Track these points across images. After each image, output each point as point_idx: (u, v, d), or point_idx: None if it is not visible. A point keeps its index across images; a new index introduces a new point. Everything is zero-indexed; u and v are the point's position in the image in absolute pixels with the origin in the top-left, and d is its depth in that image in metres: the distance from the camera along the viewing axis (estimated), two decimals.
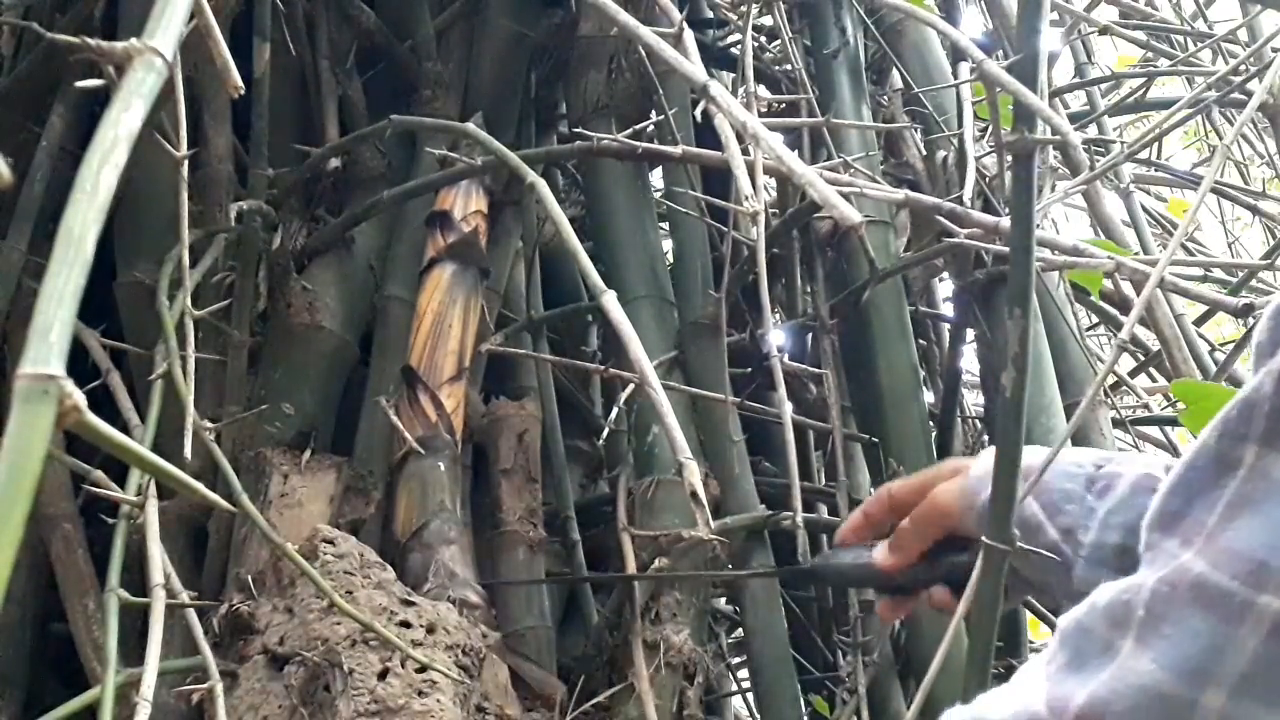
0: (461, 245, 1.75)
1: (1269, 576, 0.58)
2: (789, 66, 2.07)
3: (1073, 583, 0.93)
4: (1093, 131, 2.22)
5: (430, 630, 1.40)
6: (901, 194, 1.36)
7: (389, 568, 1.47)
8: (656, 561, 1.57)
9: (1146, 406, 2.36)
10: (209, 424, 1.48)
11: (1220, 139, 3.09)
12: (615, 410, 1.64)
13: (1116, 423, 1.89)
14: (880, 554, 1.05)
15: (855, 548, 1.09)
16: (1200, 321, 2.22)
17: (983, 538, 0.95)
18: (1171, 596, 0.61)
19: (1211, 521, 0.61)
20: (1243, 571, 0.59)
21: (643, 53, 1.81)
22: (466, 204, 1.77)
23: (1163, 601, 0.61)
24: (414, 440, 1.60)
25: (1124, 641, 0.62)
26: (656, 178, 2.22)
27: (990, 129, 1.90)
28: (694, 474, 0.86)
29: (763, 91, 2.27)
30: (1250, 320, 1.95)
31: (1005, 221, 1.24)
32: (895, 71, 2.08)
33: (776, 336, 2.08)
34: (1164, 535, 0.63)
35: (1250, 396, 0.60)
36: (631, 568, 1.56)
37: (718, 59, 2.31)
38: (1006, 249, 1.45)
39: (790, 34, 2.05)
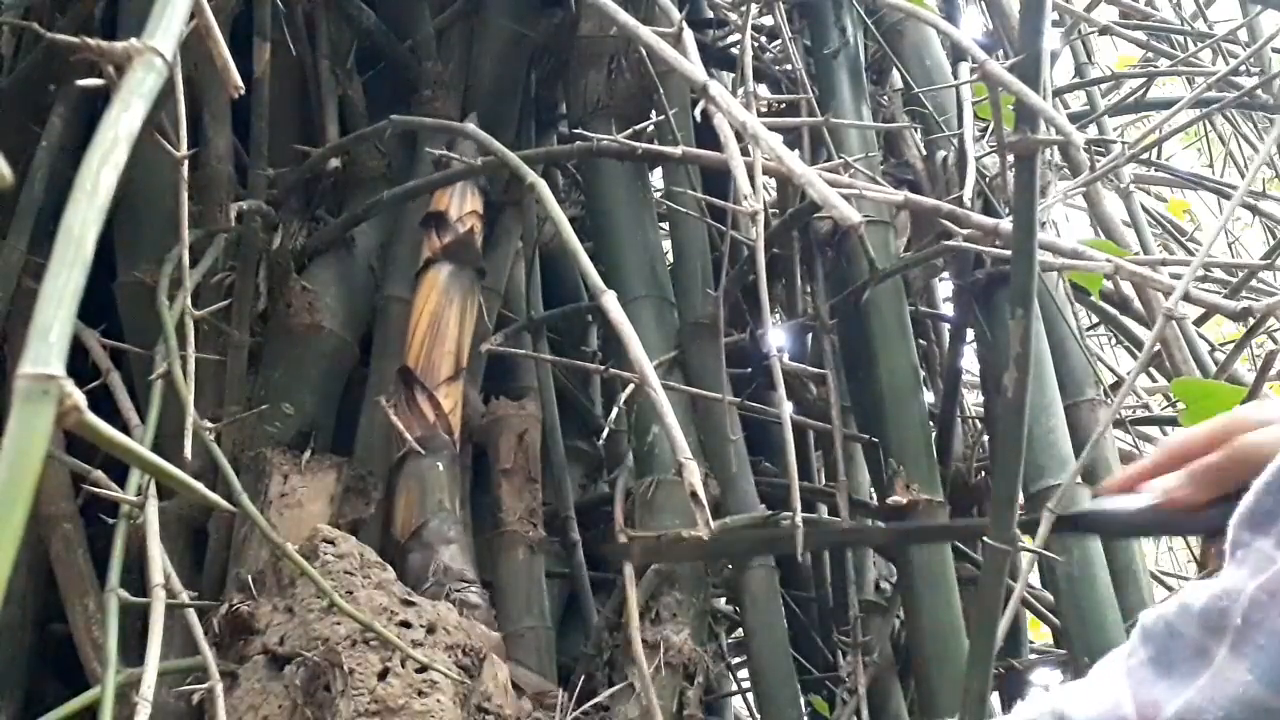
0: (457, 245, 1.75)
1: None
2: (789, 66, 2.07)
3: None
4: (1093, 132, 2.22)
5: (430, 630, 1.40)
6: (901, 196, 1.35)
7: (389, 568, 1.47)
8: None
9: (1146, 406, 2.37)
10: (209, 424, 1.48)
11: (1221, 139, 3.09)
12: (615, 410, 1.64)
13: (1116, 423, 1.89)
14: (1172, 488, 0.88)
15: (1124, 497, 0.93)
16: (1200, 321, 2.22)
17: (984, 538, 0.95)
18: (1270, 605, 0.58)
19: None
20: None
21: (643, 53, 1.81)
22: (462, 204, 1.77)
23: (1261, 609, 0.59)
24: (413, 440, 1.60)
25: (1219, 649, 0.60)
26: (656, 178, 2.22)
27: (991, 129, 1.90)
28: (694, 474, 0.86)
29: (763, 91, 2.27)
30: (1250, 321, 1.95)
31: (1005, 223, 1.24)
32: (895, 71, 2.08)
33: (776, 336, 2.08)
34: (1257, 534, 0.60)
35: None
36: (630, 572, 1.55)
37: (718, 59, 2.31)
38: (1006, 250, 1.45)
39: (790, 34, 2.05)
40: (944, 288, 2.26)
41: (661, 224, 2.00)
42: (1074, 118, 2.33)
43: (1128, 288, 2.21)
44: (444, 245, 1.75)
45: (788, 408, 1.32)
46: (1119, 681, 0.63)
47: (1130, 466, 0.92)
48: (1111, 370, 2.40)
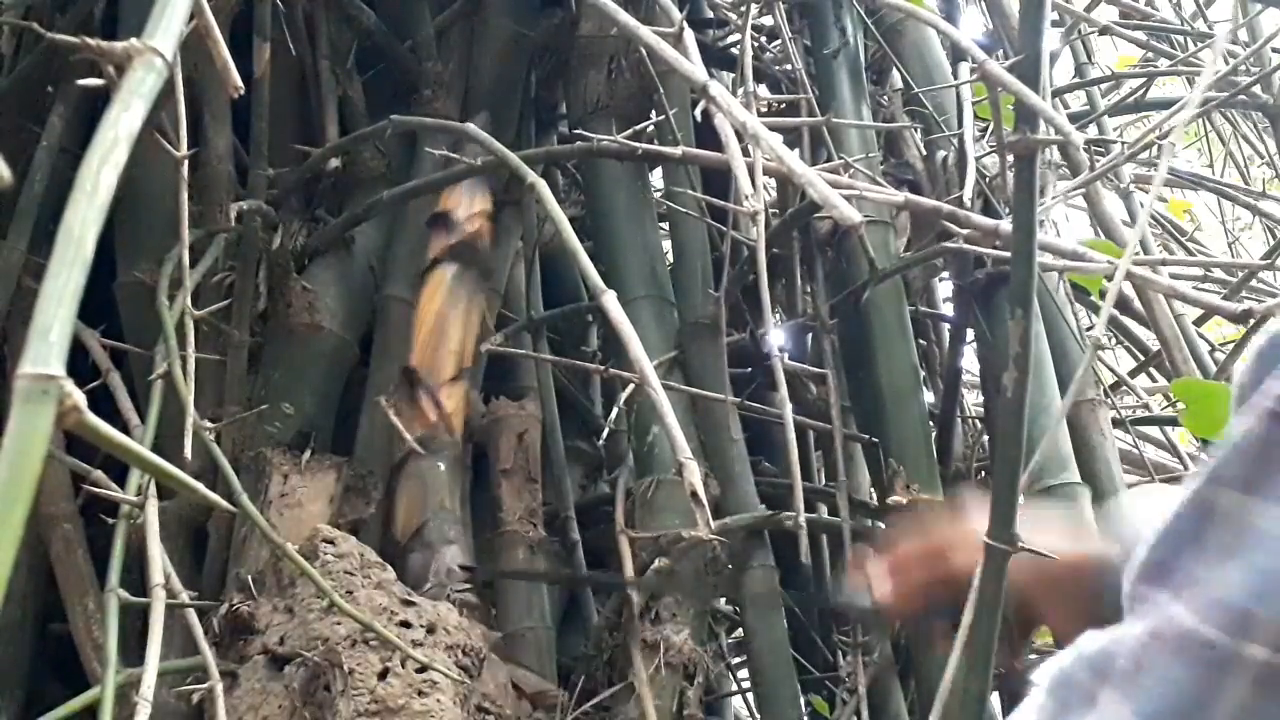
0: (464, 246, 1.74)
1: (1254, 625, 0.57)
2: (789, 66, 2.07)
3: None
4: (1093, 131, 2.22)
5: (430, 630, 1.40)
6: (902, 196, 1.35)
7: (389, 568, 1.47)
8: (656, 561, 1.57)
9: (1146, 406, 2.37)
10: (209, 424, 1.48)
11: (1221, 139, 3.09)
12: (615, 410, 1.64)
13: (1116, 423, 1.89)
14: (884, 594, 1.09)
15: (863, 592, 1.13)
16: (1200, 321, 2.22)
17: (983, 538, 0.95)
18: (1155, 647, 0.60)
19: (1200, 571, 0.60)
20: (1227, 621, 0.57)
21: (643, 53, 1.81)
22: (471, 204, 1.77)
23: (1145, 651, 0.60)
24: (414, 440, 1.60)
25: (1104, 691, 0.61)
26: (656, 178, 2.22)
27: (991, 129, 1.90)
28: (694, 474, 0.86)
29: (763, 91, 2.27)
30: (1250, 323, 1.95)
31: (1005, 224, 1.24)
32: (895, 71, 2.08)
33: (776, 336, 2.08)
34: (1153, 586, 0.62)
35: (1234, 442, 0.60)
36: (630, 571, 1.55)
37: (718, 59, 2.31)
38: (1006, 250, 1.45)
39: (790, 34, 2.05)
40: (944, 288, 2.26)
41: (661, 224, 2.00)
42: (1074, 118, 2.33)
43: (1128, 287, 2.21)
44: (450, 245, 1.75)
45: (788, 408, 1.32)
46: None
47: (877, 560, 1.12)
48: (1112, 370, 2.40)
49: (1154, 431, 2.57)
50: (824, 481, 2.16)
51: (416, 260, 1.79)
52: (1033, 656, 2.12)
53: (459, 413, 1.68)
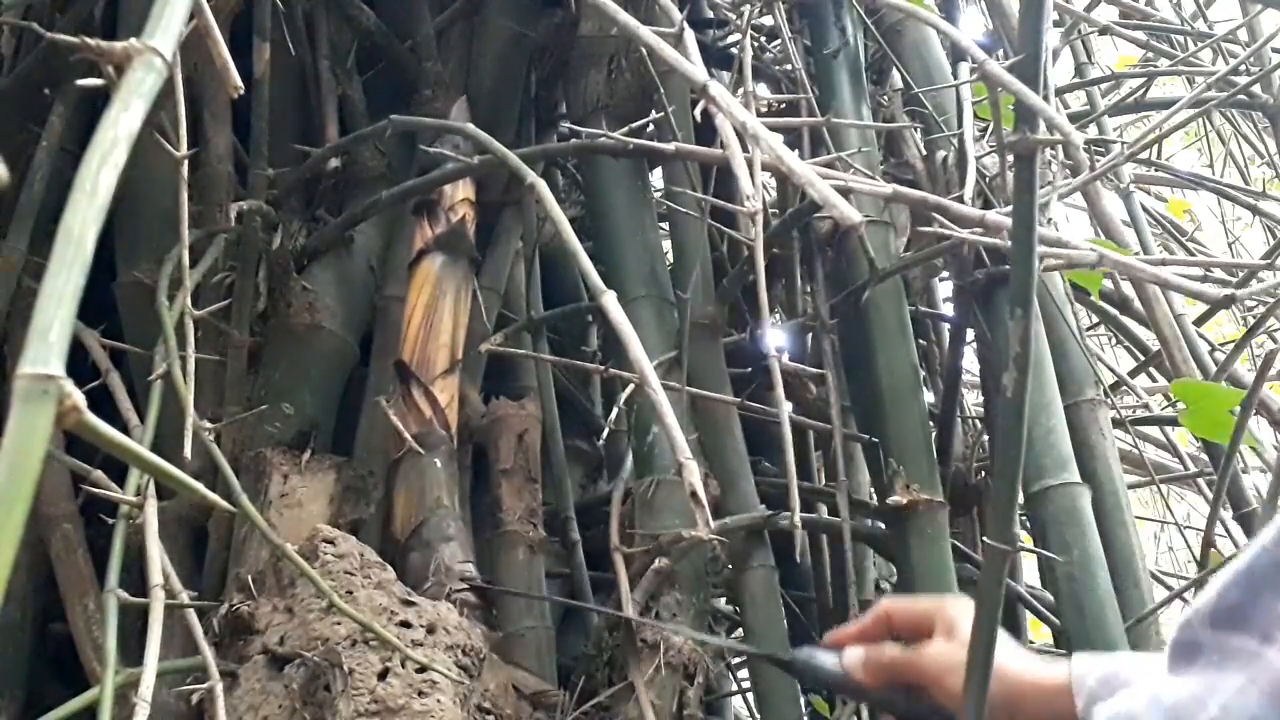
0: (449, 235, 1.73)
1: None
2: (789, 66, 2.06)
3: None
4: (1093, 131, 2.22)
5: (430, 630, 1.40)
6: (889, 188, 1.35)
7: (389, 568, 1.47)
8: (656, 561, 1.57)
9: (1146, 406, 2.36)
10: (209, 424, 1.48)
11: (1221, 139, 3.09)
12: (615, 410, 1.64)
13: (1116, 423, 1.89)
14: (853, 665, 1.06)
15: (830, 653, 1.10)
16: (1200, 321, 2.22)
17: (984, 538, 0.95)
18: (1252, 693, 0.58)
19: None
20: None
21: (643, 53, 1.81)
22: (454, 192, 1.76)
23: (1242, 698, 0.59)
24: (412, 440, 1.60)
25: None
26: (657, 178, 2.22)
27: (990, 129, 1.90)
28: (694, 474, 0.86)
29: (763, 91, 2.27)
30: (1247, 322, 1.95)
31: (991, 214, 1.24)
32: (895, 71, 2.08)
33: (776, 336, 2.08)
34: (1228, 632, 0.61)
35: None
36: (625, 586, 1.55)
37: (718, 59, 2.31)
38: (1000, 243, 1.45)
39: (790, 34, 2.05)
40: (944, 288, 2.26)
41: (661, 224, 2.00)
42: (1074, 118, 2.33)
43: (1128, 287, 2.21)
44: (436, 235, 1.74)
45: (787, 408, 1.32)
46: None
47: (852, 624, 1.10)
48: (1111, 370, 2.40)
49: (1154, 431, 2.58)
50: (824, 481, 2.16)
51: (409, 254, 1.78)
52: None
53: (453, 407, 1.67)
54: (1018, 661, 0.97)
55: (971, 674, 0.93)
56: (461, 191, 1.77)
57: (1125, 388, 2.33)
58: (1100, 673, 0.90)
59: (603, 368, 1.69)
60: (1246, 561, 0.62)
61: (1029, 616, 2.15)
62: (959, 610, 1.02)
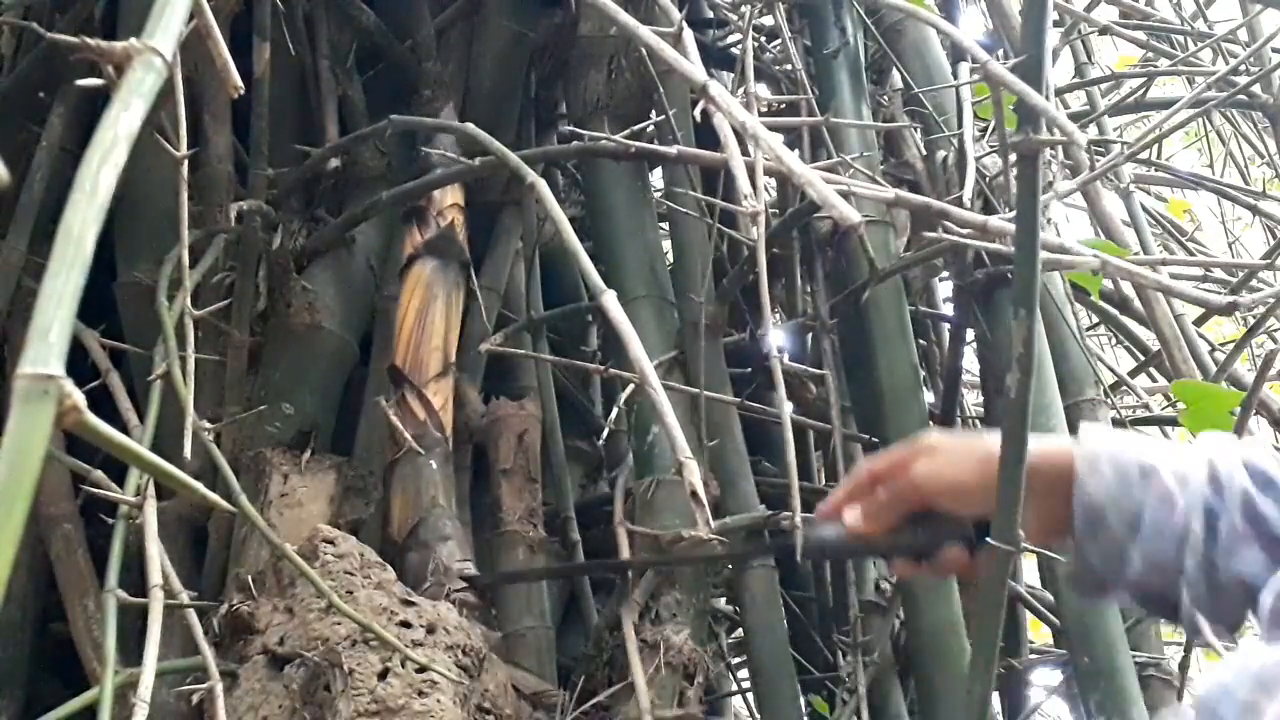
0: (439, 240, 1.74)
1: None
2: (789, 66, 2.07)
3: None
4: (1093, 131, 2.22)
5: (430, 630, 1.40)
6: (891, 193, 1.35)
7: (389, 568, 1.47)
8: None
9: (1146, 406, 2.36)
10: (209, 424, 1.48)
11: (1221, 139, 3.09)
12: (615, 410, 1.64)
13: (1116, 423, 1.89)
14: (854, 520, 1.05)
15: (830, 525, 1.10)
16: (1200, 321, 2.22)
17: (986, 538, 0.95)
18: None
19: None
20: None
21: (643, 53, 1.80)
22: (442, 197, 1.77)
23: None
24: (412, 441, 1.60)
25: (1272, 705, 0.61)
26: (656, 178, 2.22)
27: (991, 129, 1.90)
28: (694, 474, 0.86)
29: (763, 91, 2.27)
30: (1246, 322, 1.95)
31: (994, 220, 1.24)
32: (895, 71, 2.08)
33: (776, 336, 2.08)
34: None
35: None
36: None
37: (718, 59, 2.31)
38: (1001, 247, 1.44)
39: (790, 34, 2.05)
40: (944, 288, 2.26)
41: (661, 224, 2.00)
42: (1074, 118, 2.33)
43: (1128, 288, 2.21)
44: (426, 240, 1.74)
45: (788, 408, 1.32)
46: None
47: (836, 491, 1.09)
48: (1112, 370, 2.40)
49: (1154, 431, 2.57)
50: (824, 481, 2.16)
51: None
52: (1033, 656, 2.13)
53: (448, 409, 1.67)
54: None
55: (973, 671, 0.93)
56: (450, 196, 1.77)
57: (1125, 388, 2.33)
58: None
59: (603, 368, 1.69)
60: None
61: (1029, 616, 2.15)
62: (930, 436, 1.04)
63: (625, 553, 1.59)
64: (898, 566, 1.09)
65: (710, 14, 2.45)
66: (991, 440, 0.96)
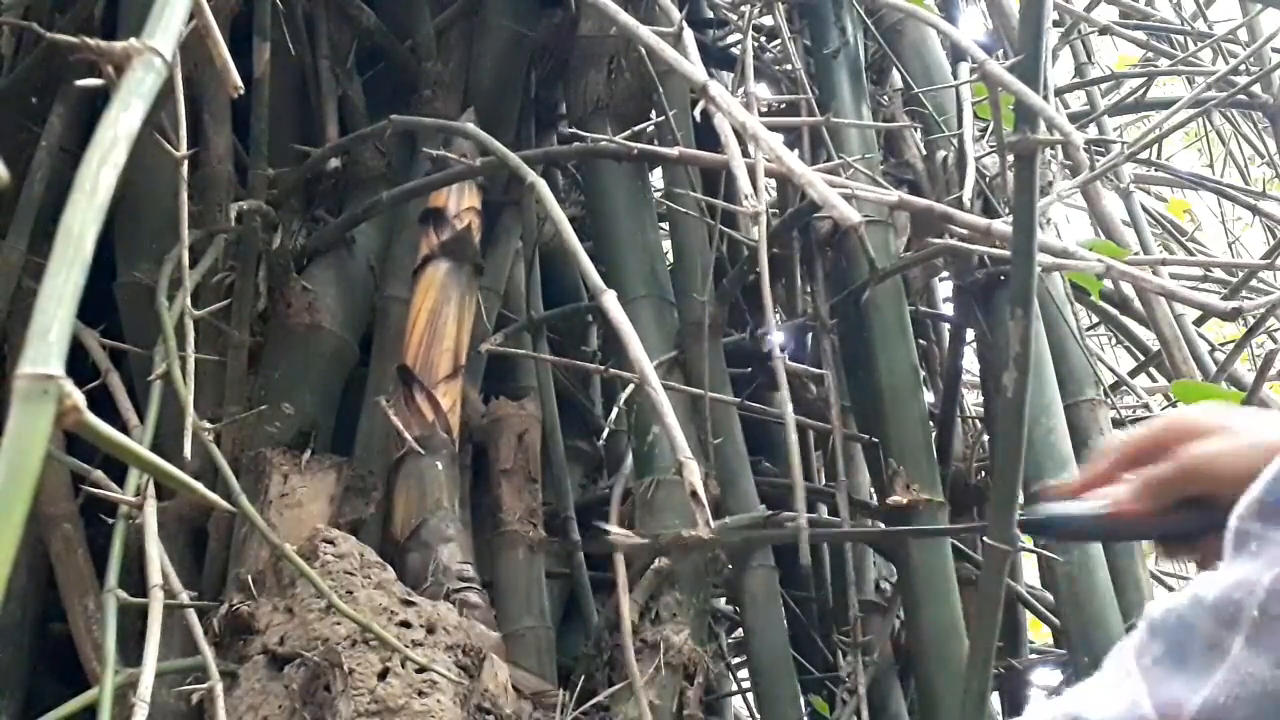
0: (455, 242, 1.74)
1: None
2: (789, 66, 2.06)
3: None
4: (1093, 131, 2.22)
5: (430, 630, 1.40)
6: (895, 196, 1.35)
7: (389, 568, 1.47)
8: (657, 562, 1.57)
9: (1146, 406, 2.36)
10: (209, 424, 1.48)
11: (1221, 139, 3.09)
12: (615, 410, 1.64)
13: (1116, 423, 1.89)
14: (1124, 497, 0.92)
15: (1078, 503, 1.02)
16: (1200, 322, 2.22)
17: (984, 538, 0.95)
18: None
19: None
20: None
21: (643, 53, 1.80)
22: (460, 200, 1.77)
23: (1279, 601, 0.58)
24: (413, 440, 1.60)
25: (1234, 641, 0.59)
26: (656, 178, 2.22)
27: (990, 129, 1.90)
28: (694, 474, 0.86)
29: (763, 91, 2.27)
30: (1246, 322, 1.95)
31: (998, 223, 1.24)
32: (895, 71, 2.08)
33: (777, 336, 2.08)
34: (1270, 524, 0.59)
35: None
36: (623, 582, 1.54)
37: (718, 59, 2.31)
38: (1003, 250, 1.44)
39: (790, 34, 2.05)
40: (944, 288, 2.26)
41: (661, 224, 2.00)
42: (1074, 118, 2.33)
43: (1128, 288, 2.21)
44: (442, 242, 1.74)
45: (789, 408, 1.32)
46: (1133, 680, 0.62)
47: (1084, 471, 0.96)
48: (1112, 370, 2.40)
49: None
50: (824, 481, 2.16)
51: (414, 260, 1.79)
52: (1033, 656, 2.13)
53: (455, 411, 1.67)
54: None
55: (972, 670, 0.94)
56: (468, 199, 1.77)
57: (1125, 388, 2.33)
58: None
59: (603, 368, 1.69)
60: None
61: (1029, 616, 2.15)
62: (1213, 412, 0.90)
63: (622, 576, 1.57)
64: (1168, 550, 0.97)
65: (710, 14, 2.45)
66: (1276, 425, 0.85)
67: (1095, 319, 2.57)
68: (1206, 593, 0.61)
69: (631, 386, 1.29)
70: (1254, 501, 0.61)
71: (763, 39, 2.35)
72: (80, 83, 0.66)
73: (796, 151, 1.93)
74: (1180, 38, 2.58)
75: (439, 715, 1.32)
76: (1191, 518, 0.93)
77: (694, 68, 0.97)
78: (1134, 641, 0.64)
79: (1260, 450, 0.86)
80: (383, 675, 1.33)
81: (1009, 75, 0.90)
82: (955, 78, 1.96)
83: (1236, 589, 0.60)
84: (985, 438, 2.04)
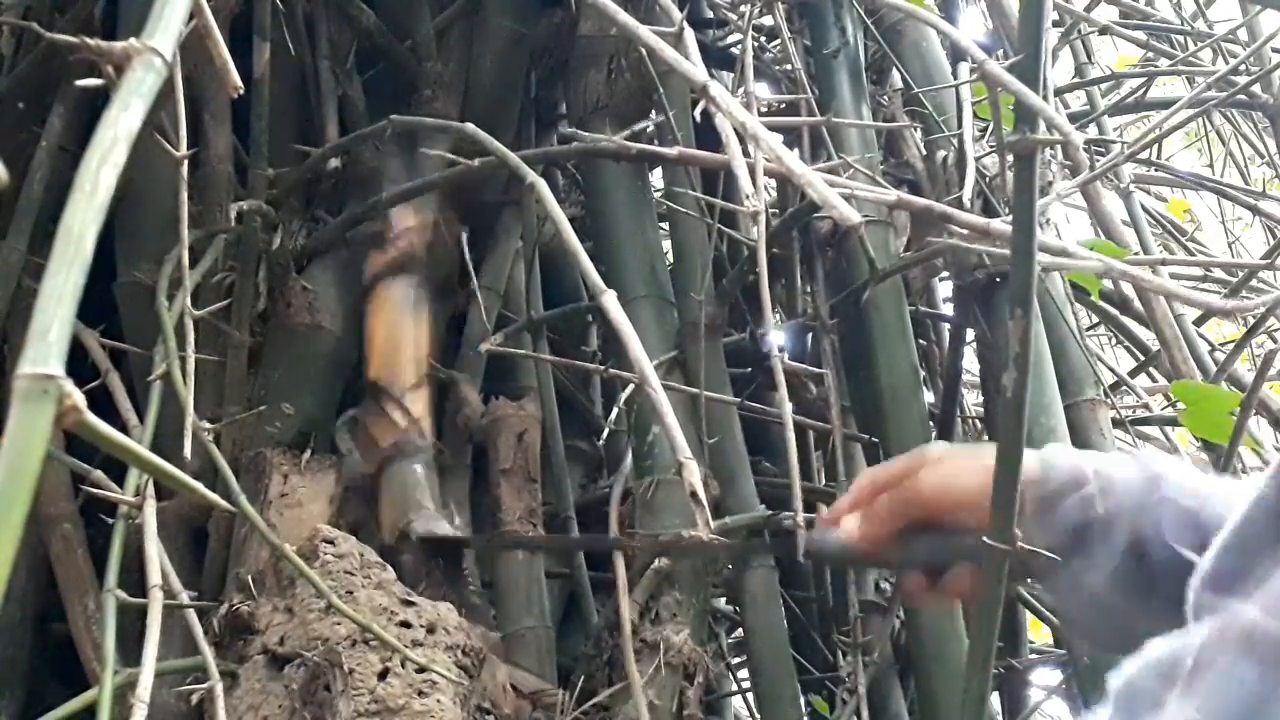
0: (400, 259, 1.77)
1: None
2: (789, 66, 2.07)
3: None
4: (1093, 131, 2.22)
5: (430, 630, 1.40)
6: (894, 195, 1.35)
7: (389, 568, 1.47)
8: (656, 562, 1.57)
9: (1146, 406, 2.36)
10: (209, 424, 1.48)
11: (1221, 139, 3.09)
12: (615, 410, 1.64)
13: (1116, 423, 1.89)
14: (851, 529, 1.03)
15: (832, 530, 1.08)
16: (1200, 321, 2.22)
17: (984, 538, 0.95)
18: (1220, 644, 0.59)
19: (1275, 572, 0.59)
20: None
21: (643, 53, 1.80)
22: (400, 221, 1.79)
23: (1210, 649, 0.59)
24: (387, 449, 1.62)
25: (1171, 694, 0.60)
26: (656, 178, 2.22)
27: (990, 129, 1.90)
28: (694, 474, 0.86)
29: (763, 91, 2.27)
30: (1246, 321, 1.95)
31: (997, 223, 1.24)
32: (895, 71, 2.08)
33: (777, 336, 2.08)
34: (1221, 594, 0.61)
35: None
36: (623, 582, 1.55)
37: (718, 59, 2.31)
38: (1003, 250, 1.44)
39: (790, 34, 2.05)
40: (944, 288, 2.26)
41: (661, 224, 2.00)
42: (1074, 118, 2.33)
43: (1128, 288, 2.21)
44: (386, 262, 1.76)
45: (788, 408, 1.32)
46: None
47: (836, 501, 1.07)
48: (1112, 370, 2.40)
49: (1154, 431, 2.57)
50: (824, 481, 2.16)
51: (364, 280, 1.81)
52: (1033, 656, 2.13)
53: (427, 416, 1.69)
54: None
55: (971, 670, 0.93)
56: (411, 218, 1.78)
57: (1125, 388, 2.33)
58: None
59: (603, 368, 1.69)
60: (1239, 526, 0.62)
61: (1029, 616, 2.15)
62: (935, 446, 1.02)
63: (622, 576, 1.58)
64: (907, 583, 1.07)
65: (710, 14, 2.45)
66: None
67: (1095, 319, 2.57)
68: (1154, 654, 0.63)
69: (631, 386, 1.29)
70: (1205, 574, 0.63)
71: (763, 39, 2.35)
72: (80, 83, 0.66)
73: (796, 151, 1.93)
74: (1180, 38, 2.58)
75: (439, 715, 1.32)
76: (927, 547, 1.00)
77: (694, 68, 0.97)
78: (1103, 713, 0.66)
79: (977, 472, 0.94)
80: (383, 675, 1.33)
81: (1009, 75, 0.90)
82: (955, 78, 1.96)
83: (1180, 648, 0.62)
84: (985, 438, 2.04)
